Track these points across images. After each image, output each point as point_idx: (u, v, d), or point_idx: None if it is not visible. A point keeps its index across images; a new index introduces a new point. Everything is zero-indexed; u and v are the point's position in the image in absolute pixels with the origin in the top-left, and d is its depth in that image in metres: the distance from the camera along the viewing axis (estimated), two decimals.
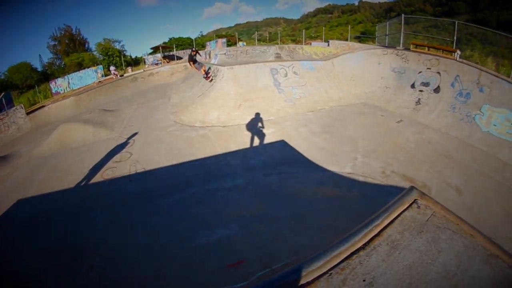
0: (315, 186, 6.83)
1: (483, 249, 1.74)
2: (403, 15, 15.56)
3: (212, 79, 13.72)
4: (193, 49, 15.08)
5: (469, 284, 1.56)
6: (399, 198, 2.04)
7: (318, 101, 12.64)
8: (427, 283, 1.53)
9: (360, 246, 1.70)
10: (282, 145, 8.90)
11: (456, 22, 12.63)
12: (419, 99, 11.24)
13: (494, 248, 1.76)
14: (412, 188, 2.13)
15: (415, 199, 2.03)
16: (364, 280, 1.54)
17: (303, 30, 41.58)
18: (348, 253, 1.67)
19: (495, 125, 8.65)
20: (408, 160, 7.88)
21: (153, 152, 9.12)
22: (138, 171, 8.08)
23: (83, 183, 7.94)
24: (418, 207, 1.98)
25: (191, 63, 14.24)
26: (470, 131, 9.05)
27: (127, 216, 6.20)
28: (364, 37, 32.13)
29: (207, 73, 13.97)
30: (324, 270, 1.60)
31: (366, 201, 5.99)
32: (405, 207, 1.97)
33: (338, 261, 1.63)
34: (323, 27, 42.22)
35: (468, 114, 9.37)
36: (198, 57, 14.88)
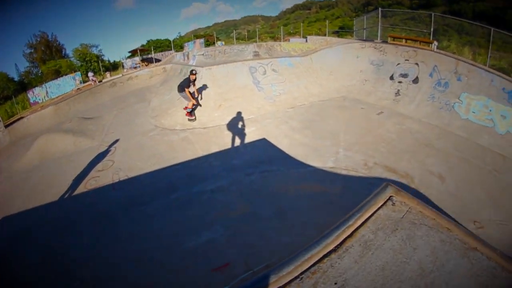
0: (298, 183, 6.82)
1: (460, 242, 1.70)
2: (380, 8, 15.70)
3: (195, 118, 11.23)
4: (193, 71, 10.94)
5: (445, 280, 1.52)
6: (373, 196, 2.00)
7: (298, 97, 12.66)
8: (402, 283, 1.48)
9: (332, 249, 1.65)
10: (263, 144, 8.86)
11: (433, 14, 12.84)
12: (399, 90, 11.33)
13: (472, 240, 1.73)
14: (387, 185, 2.09)
15: (390, 196, 1.99)
16: (335, 283, 1.49)
17: (281, 27, 41.62)
18: (320, 256, 1.62)
19: (474, 112, 8.80)
20: (390, 151, 7.92)
21: (135, 158, 8.95)
22: (121, 179, 7.91)
23: (66, 195, 7.70)
24: (393, 204, 1.94)
25: (187, 91, 10.80)
26: (450, 119, 9.18)
27: (113, 225, 6.07)
28: (342, 31, 32.34)
29: (192, 109, 11.27)
30: (295, 274, 1.55)
31: (350, 194, 6.00)
32: (379, 205, 1.93)
33: (309, 265, 1.58)
34: (301, 23, 42.21)
35: (447, 102, 9.50)
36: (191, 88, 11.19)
